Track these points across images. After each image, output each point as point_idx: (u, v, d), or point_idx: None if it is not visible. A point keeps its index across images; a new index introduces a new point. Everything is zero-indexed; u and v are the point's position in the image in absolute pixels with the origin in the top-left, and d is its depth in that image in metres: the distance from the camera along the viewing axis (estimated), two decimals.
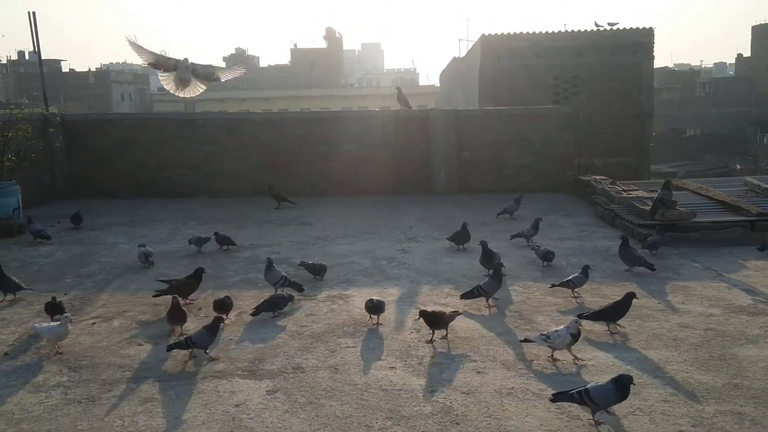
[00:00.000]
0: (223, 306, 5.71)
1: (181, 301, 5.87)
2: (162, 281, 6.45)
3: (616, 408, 3.89)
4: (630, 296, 5.23)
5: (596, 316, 5.22)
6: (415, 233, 9.27)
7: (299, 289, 6.41)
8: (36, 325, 5.24)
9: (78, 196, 12.74)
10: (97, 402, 4.24)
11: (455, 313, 5.28)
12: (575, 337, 4.61)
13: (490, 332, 5.36)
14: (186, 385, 4.47)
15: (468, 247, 8.17)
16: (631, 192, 9.87)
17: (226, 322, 5.61)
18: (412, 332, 5.40)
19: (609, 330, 5.26)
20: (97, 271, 7.52)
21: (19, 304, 6.26)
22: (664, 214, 8.37)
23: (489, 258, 6.95)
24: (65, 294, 6.58)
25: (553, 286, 6.24)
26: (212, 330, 4.87)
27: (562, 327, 4.71)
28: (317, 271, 6.98)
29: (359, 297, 6.34)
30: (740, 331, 5.24)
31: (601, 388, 3.74)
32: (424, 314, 5.09)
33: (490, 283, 5.90)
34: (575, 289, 6.16)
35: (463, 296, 5.99)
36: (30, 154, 10.16)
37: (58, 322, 5.07)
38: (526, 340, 4.83)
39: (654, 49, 24.04)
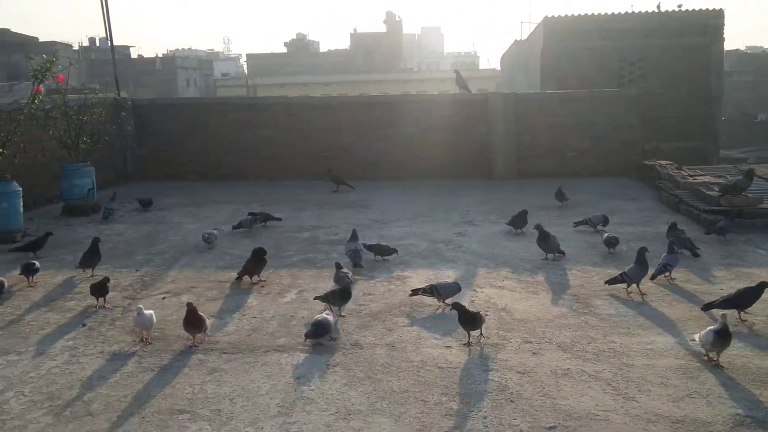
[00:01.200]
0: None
1: (252, 279, 6.21)
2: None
3: None
4: (762, 285, 5.03)
5: (726, 303, 4.99)
6: (473, 217, 9.30)
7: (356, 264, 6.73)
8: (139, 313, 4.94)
9: (146, 178, 13.26)
10: (168, 370, 4.49)
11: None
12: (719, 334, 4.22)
13: (546, 315, 5.38)
14: (250, 357, 4.68)
15: (526, 231, 8.16)
16: (697, 177, 9.63)
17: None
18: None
19: (740, 318, 5.13)
20: (166, 249, 7.85)
21: (95, 279, 6.61)
22: (730, 200, 8.16)
23: (545, 239, 6.95)
24: (137, 270, 6.92)
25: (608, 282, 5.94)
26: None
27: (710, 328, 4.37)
28: (384, 252, 7.10)
29: (416, 278, 6.45)
30: None
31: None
32: (461, 310, 4.80)
33: (635, 270, 5.75)
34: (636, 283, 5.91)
35: (608, 282, 5.84)
36: (103, 137, 10.62)
37: (142, 313, 4.87)
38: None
39: (724, 30, 23.16)
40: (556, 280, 6.28)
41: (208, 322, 5.01)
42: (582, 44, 23.36)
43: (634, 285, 5.77)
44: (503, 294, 5.96)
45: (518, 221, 8.18)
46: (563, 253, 6.97)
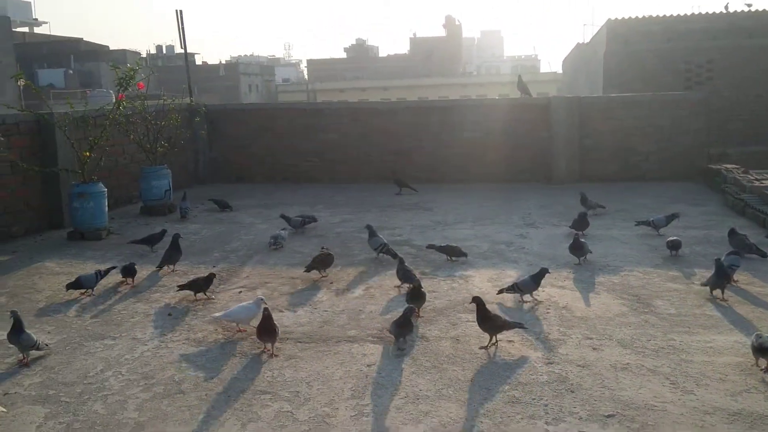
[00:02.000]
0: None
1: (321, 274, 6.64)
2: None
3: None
4: None
5: None
6: (534, 219, 9.45)
7: (394, 256, 6.98)
8: (217, 314, 5.40)
9: (217, 180, 13.85)
10: (249, 356, 4.86)
11: (515, 325, 5.01)
12: None
13: (607, 314, 5.53)
14: (323, 346, 5.00)
15: (587, 233, 8.26)
16: (764, 181, 9.53)
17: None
18: (529, 311, 5.68)
19: None
20: (239, 247, 8.29)
21: (176, 274, 7.09)
22: None
23: (578, 248, 7.03)
24: (214, 266, 7.36)
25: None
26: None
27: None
28: (452, 252, 7.34)
29: (478, 278, 6.68)
30: None
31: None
32: (479, 303, 4.94)
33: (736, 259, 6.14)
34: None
35: (704, 284, 5.96)
36: (179, 141, 11.23)
37: (253, 302, 5.23)
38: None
39: None
40: (618, 281, 6.40)
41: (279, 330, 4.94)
42: (646, 46, 23.05)
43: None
44: (564, 293, 6.13)
45: (580, 224, 8.29)
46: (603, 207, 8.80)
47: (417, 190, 11.85)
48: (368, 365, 4.65)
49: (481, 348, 4.86)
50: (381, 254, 7.34)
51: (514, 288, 5.84)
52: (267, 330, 4.81)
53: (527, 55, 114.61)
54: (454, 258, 7.29)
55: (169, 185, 10.50)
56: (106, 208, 8.95)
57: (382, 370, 4.56)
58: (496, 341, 4.92)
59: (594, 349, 4.81)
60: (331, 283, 6.66)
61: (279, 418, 3.94)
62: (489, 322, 4.90)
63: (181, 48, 15.43)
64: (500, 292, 5.92)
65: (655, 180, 12.29)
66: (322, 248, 7.08)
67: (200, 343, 5.15)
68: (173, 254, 7.14)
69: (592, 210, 9.34)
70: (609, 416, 3.84)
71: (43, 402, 4.22)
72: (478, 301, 4.96)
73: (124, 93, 9.40)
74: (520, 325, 5.02)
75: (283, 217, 9.04)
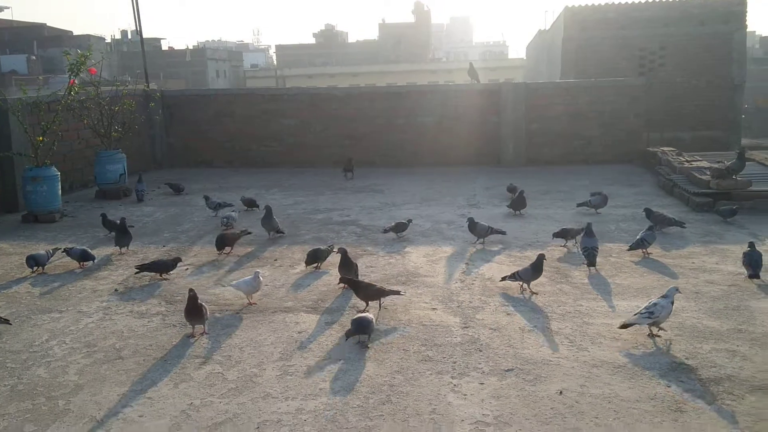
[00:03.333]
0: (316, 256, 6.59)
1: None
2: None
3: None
4: None
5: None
6: (478, 200, 9.88)
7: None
8: (233, 282, 5.73)
9: (175, 165, 14.04)
10: (188, 326, 5.17)
11: (391, 292, 5.40)
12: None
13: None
14: (260, 316, 5.34)
15: (524, 213, 8.71)
16: (693, 162, 10.06)
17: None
18: (456, 282, 6.08)
19: None
20: (191, 228, 8.57)
21: (128, 255, 7.35)
22: (719, 183, 8.61)
23: (472, 228, 7.42)
24: (164, 246, 7.65)
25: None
26: None
27: (660, 299, 4.67)
28: (399, 229, 7.68)
29: (415, 254, 7.07)
30: (763, 288, 5.62)
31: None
32: (346, 281, 5.53)
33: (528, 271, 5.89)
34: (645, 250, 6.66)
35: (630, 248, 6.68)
36: (134, 126, 11.42)
37: (252, 277, 5.56)
38: (624, 326, 4.66)
39: (747, 18, 23.18)
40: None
41: (208, 312, 5.05)
42: (603, 33, 23.57)
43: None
44: (492, 266, 6.55)
45: (517, 204, 8.73)
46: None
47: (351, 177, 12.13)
48: (299, 332, 5.01)
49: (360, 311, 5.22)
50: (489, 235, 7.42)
51: (515, 276, 5.69)
52: (190, 312, 4.92)
53: (495, 41, 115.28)
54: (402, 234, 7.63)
55: (124, 169, 10.71)
56: (60, 192, 9.14)
57: (311, 337, 4.92)
58: (380, 305, 5.39)
59: (508, 314, 5.23)
60: (276, 260, 6.99)
61: (209, 378, 4.29)
62: (362, 291, 5.31)
63: (137, 33, 15.45)
64: (503, 279, 5.82)
65: (599, 163, 12.82)
66: (330, 246, 7.03)
67: (143, 315, 5.46)
68: (123, 238, 7.35)
69: (482, 239, 9.37)
70: (508, 370, 4.25)
71: None
72: (345, 281, 5.54)
73: (76, 78, 9.55)
74: (396, 293, 5.46)
75: (204, 197, 9.33)
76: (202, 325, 5.04)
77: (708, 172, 9.08)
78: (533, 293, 5.66)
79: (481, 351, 4.56)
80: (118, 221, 7.52)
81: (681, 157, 10.57)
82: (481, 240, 7.41)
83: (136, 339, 4.96)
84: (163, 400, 4.01)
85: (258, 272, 5.57)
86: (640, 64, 23.34)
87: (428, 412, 3.78)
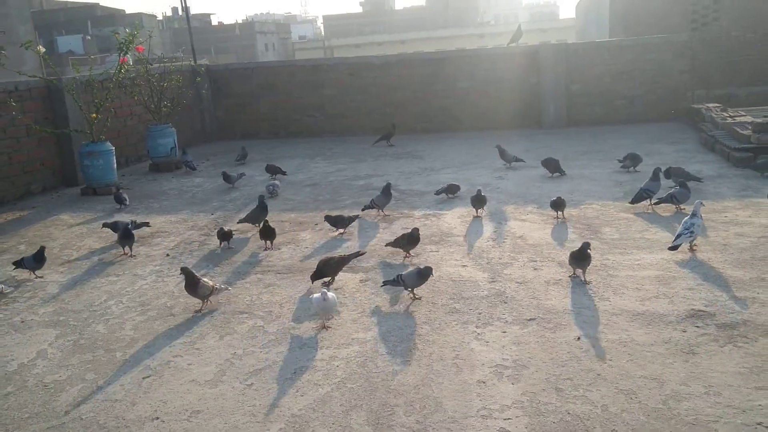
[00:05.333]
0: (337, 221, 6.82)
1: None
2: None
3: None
4: None
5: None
6: (515, 163, 9.97)
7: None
8: (314, 295, 4.65)
9: (223, 137, 14.51)
10: (233, 285, 5.55)
11: (352, 256, 5.57)
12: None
13: (556, 240, 6.14)
14: (299, 276, 5.68)
15: (556, 176, 8.80)
16: (737, 118, 9.91)
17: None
18: (488, 241, 6.29)
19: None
20: (237, 197, 8.97)
21: (180, 222, 7.79)
22: (759, 137, 8.50)
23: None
24: (212, 213, 8.06)
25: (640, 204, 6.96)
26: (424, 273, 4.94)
27: (693, 218, 5.40)
28: (452, 190, 8.04)
29: (450, 215, 7.29)
30: None
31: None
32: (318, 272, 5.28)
33: (682, 191, 6.66)
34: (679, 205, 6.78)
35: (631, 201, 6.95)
36: (182, 101, 11.87)
37: (318, 295, 4.55)
38: (673, 248, 5.37)
39: None
40: (576, 213, 6.97)
41: (216, 286, 5.09)
42: None
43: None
44: (524, 225, 6.72)
45: (550, 165, 8.81)
46: (523, 161, 9.48)
47: (392, 144, 12.33)
48: (336, 289, 5.32)
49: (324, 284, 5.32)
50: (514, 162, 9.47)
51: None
52: (190, 286, 4.99)
53: (546, 2, 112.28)
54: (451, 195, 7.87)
55: (175, 143, 11.19)
56: (115, 165, 9.67)
57: (346, 293, 5.23)
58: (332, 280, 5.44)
59: (535, 269, 5.43)
60: (316, 224, 7.31)
61: (252, 331, 4.65)
62: (327, 268, 5.31)
63: (183, 11, 15.87)
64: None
65: (643, 122, 12.69)
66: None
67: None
68: (124, 239, 6.63)
69: (508, 164, 9.65)
70: (530, 320, 4.48)
71: (54, 326, 4.97)
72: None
73: (126, 56, 10.00)
74: (356, 255, 5.66)
75: (223, 174, 9.59)
76: (206, 301, 5.06)
77: (750, 127, 8.96)
78: (586, 282, 5.10)
79: (505, 303, 4.79)
80: (129, 224, 6.82)
81: (725, 113, 10.40)
82: (510, 165, 9.38)
83: (185, 298, 5.34)
84: (210, 351, 4.39)
85: (324, 292, 4.55)
86: (693, 19, 22.60)
87: (451, 358, 4.04)
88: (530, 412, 3.42)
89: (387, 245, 6.04)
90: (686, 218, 5.52)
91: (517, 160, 9.49)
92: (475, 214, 7.11)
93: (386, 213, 7.46)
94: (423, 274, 4.89)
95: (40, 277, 6.06)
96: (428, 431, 3.34)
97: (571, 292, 4.90)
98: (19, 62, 21.11)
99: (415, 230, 5.87)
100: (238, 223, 7.27)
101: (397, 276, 4.95)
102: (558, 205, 6.74)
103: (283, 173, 9.94)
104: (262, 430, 3.44)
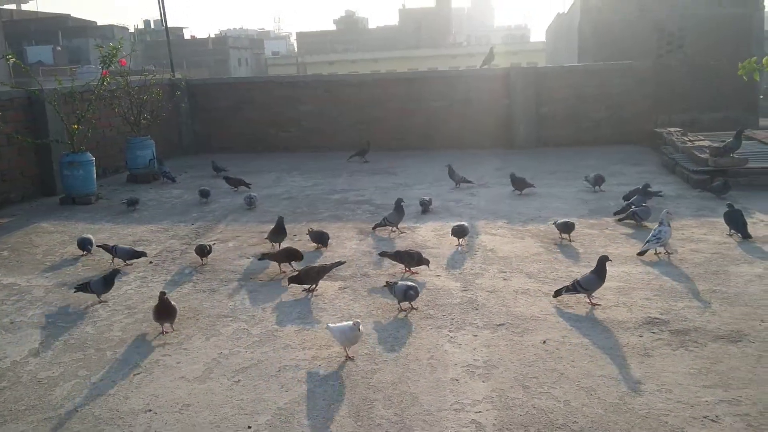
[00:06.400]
0: (321, 238, 7.06)
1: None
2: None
3: (602, 299, 4.99)
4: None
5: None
6: (487, 181, 10.35)
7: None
8: (330, 325, 4.55)
9: (200, 150, 14.68)
10: (216, 292, 5.78)
11: (333, 265, 5.79)
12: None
13: (525, 253, 6.48)
14: (278, 284, 5.92)
15: (527, 192, 9.18)
16: (696, 142, 10.43)
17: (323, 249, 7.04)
18: (461, 253, 6.61)
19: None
20: (217, 209, 9.16)
21: (161, 232, 7.98)
22: (716, 161, 9.00)
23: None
24: (192, 224, 8.26)
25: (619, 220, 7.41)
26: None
27: (660, 226, 6.01)
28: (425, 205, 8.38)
29: (424, 229, 7.60)
30: (743, 256, 6.08)
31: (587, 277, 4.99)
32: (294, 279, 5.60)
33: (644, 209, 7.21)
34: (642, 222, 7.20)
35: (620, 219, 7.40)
36: (161, 114, 12.05)
37: (350, 325, 4.33)
38: (641, 254, 6.08)
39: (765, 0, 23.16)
40: (543, 229, 7.34)
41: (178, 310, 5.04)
42: (619, 16, 23.53)
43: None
44: (494, 239, 7.06)
45: (517, 183, 9.19)
46: (471, 182, 9.85)
47: (367, 161, 12.64)
48: (315, 295, 5.58)
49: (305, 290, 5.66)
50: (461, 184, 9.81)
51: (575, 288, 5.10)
52: (161, 312, 4.90)
53: (517, 25, 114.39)
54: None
55: (153, 155, 11.36)
56: (95, 176, 9.81)
57: (326, 298, 5.50)
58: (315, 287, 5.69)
59: (504, 279, 5.76)
60: (294, 235, 7.55)
61: (236, 333, 4.88)
62: (308, 277, 5.60)
63: (162, 23, 16.08)
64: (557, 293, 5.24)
65: (608, 144, 13.22)
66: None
67: (176, 284, 6.07)
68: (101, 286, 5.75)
69: (458, 184, 9.94)
70: (500, 325, 4.79)
71: (44, 327, 5.15)
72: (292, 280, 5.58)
73: (108, 69, 10.19)
74: (337, 264, 5.88)
75: (200, 191, 9.62)
76: (169, 323, 4.98)
77: (707, 151, 9.47)
78: (594, 305, 5.08)
79: (477, 309, 5.10)
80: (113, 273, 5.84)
81: (685, 137, 10.94)
82: (458, 186, 9.76)
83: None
84: (197, 351, 4.61)
85: (358, 322, 4.32)
86: (658, 46, 23.46)
87: (427, 358, 4.33)
88: (499, 407, 3.72)
89: (380, 254, 6.33)
90: (656, 227, 6.05)
91: (465, 181, 9.84)
92: (457, 243, 6.90)
93: (400, 231, 7.53)
94: (408, 293, 5.04)
95: (104, 301, 5.62)
96: (405, 423, 3.61)
97: (538, 300, 5.23)
98: None
99: (418, 254, 5.98)
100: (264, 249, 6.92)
101: (391, 285, 5.22)
102: (567, 227, 6.81)
103: (247, 185, 10.19)
104: (251, 422, 3.68)
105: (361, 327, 4.31)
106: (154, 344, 4.74)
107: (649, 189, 7.84)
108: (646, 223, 7.17)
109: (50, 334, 5.00)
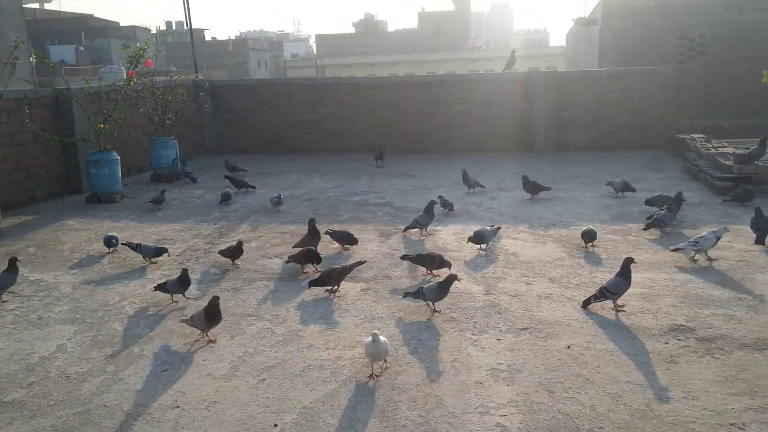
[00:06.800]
0: (348, 239, 7.08)
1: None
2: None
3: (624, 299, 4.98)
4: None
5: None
6: (507, 185, 10.35)
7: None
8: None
9: (221, 151, 14.78)
10: (240, 291, 5.83)
11: (354, 265, 5.88)
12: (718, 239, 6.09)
13: (547, 258, 6.48)
14: (300, 284, 5.96)
15: (542, 197, 9.16)
16: (720, 149, 10.35)
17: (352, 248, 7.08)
18: (482, 257, 6.62)
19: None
20: (239, 209, 9.24)
21: (185, 231, 8.06)
22: (741, 168, 8.93)
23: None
24: (215, 223, 8.33)
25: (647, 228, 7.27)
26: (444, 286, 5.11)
27: (708, 232, 6.12)
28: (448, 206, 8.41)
29: (444, 232, 7.62)
30: None
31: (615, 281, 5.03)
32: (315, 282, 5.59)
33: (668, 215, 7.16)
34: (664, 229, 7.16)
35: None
36: (185, 115, 12.17)
37: (377, 340, 4.08)
38: (675, 250, 6.21)
39: None
40: (565, 234, 7.33)
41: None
42: (641, 21, 23.50)
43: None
44: (516, 243, 7.06)
45: (529, 187, 9.15)
46: (483, 186, 9.79)
47: (383, 165, 12.56)
48: (338, 296, 5.62)
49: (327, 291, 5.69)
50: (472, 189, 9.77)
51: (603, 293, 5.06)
52: (211, 317, 4.74)
53: (536, 29, 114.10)
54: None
55: (177, 154, 11.47)
56: (120, 175, 9.92)
57: (348, 300, 5.53)
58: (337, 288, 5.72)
59: (527, 283, 5.76)
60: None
61: (261, 332, 4.93)
62: (330, 278, 5.64)
63: (185, 25, 16.22)
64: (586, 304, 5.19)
65: (629, 149, 13.15)
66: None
67: (200, 281, 6.13)
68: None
69: (472, 188, 9.88)
70: (523, 329, 4.80)
71: (72, 323, 5.22)
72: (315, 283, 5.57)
73: (134, 70, 10.32)
74: (358, 264, 5.96)
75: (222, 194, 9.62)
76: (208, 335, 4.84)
77: (732, 158, 9.39)
78: (619, 310, 5.07)
79: (500, 313, 5.11)
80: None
81: (709, 144, 10.86)
82: (473, 190, 9.68)
83: (195, 300, 5.62)
84: (222, 349, 4.66)
85: (376, 333, 4.11)
86: (679, 52, 23.32)
87: (450, 361, 4.35)
88: (524, 410, 3.73)
89: (402, 258, 6.29)
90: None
91: (478, 185, 9.80)
92: (478, 248, 6.84)
93: (429, 233, 7.55)
94: (444, 288, 5.09)
95: (175, 302, 5.61)
96: (431, 425, 3.63)
97: (561, 305, 5.23)
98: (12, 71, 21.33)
99: (440, 257, 6.00)
100: (291, 252, 6.76)
101: (419, 289, 5.19)
102: (590, 235, 6.71)
103: (252, 187, 10.24)
104: (276, 420, 3.71)
105: (380, 337, 4.08)
106: (180, 342, 4.79)
107: (682, 198, 7.68)
108: (668, 230, 7.14)
109: (78, 330, 5.07)
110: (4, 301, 5.72)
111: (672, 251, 6.28)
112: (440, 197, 8.46)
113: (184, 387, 4.11)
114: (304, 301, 5.54)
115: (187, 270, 5.59)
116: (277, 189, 10.38)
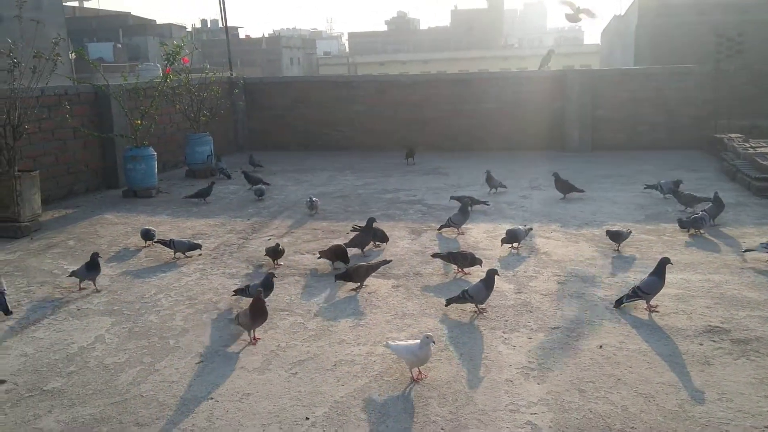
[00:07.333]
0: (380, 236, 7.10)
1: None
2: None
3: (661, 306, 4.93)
4: None
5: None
6: (539, 183, 10.29)
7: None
8: (391, 343, 4.27)
9: (255, 148, 14.94)
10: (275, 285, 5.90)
11: (380, 263, 5.90)
12: None
13: (579, 257, 6.43)
14: (331, 280, 6.00)
15: (581, 195, 9.08)
16: (758, 148, 10.16)
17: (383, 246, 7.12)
18: (514, 256, 6.60)
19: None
20: (271, 205, 9.34)
21: (218, 226, 8.18)
22: None
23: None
24: (248, 219, 8.44)
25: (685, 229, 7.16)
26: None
27: None
28: (473, 202, 8.30)
29: (475, 230, 7.61)
30: None
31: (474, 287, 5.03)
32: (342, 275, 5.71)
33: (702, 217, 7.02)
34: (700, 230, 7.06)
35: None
36: (219, 111, 12.34)
37: (418, 342, 4.00)
38: (747, 251, 6.24)
39: None
40: (598, 233, 7.25)
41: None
42: (677, 20, 23.17)
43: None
44: (548, 242, 7.03)
45: (560, 186, 9.07)
46: (506, 187, 9.72)
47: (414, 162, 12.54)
48: (369, 293, 5.66)
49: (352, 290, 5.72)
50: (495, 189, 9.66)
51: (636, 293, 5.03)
52: (257, 313, 4.67)
53: (570, 27, 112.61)
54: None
55: (211, 151, 11.63)
56: (156, 170, 10.10)
57: (379, 296, 5.57)
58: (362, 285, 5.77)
59: (559, 283, 5.74)
60: (348, 233, 7.64)
61: (293, 327, 4.99)
62: (356, 274, 5.70)
63: (221, 23, 16.40)
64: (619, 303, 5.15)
65: (664, 149, 12.97)
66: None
67: (233, 276, 6.23)
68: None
69: (494, 189, 9.73)
70: (554, 328, 4.78)
71: (109, 314, 5.35)
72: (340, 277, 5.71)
73: (171, 67, 10.49)
74: (384, 263, 5.98)
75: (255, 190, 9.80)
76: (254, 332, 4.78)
77: None
78: (652, 310, 5.04)
79: (531, 312, 5.10)
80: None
81: (747, 144, 10.66)
82: (495, 190, 9.59)
83: (228, 294, 5.71)
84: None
85: (428, 337, 3.97)
86: (717, 51, 22.88)
87: (481, 359, 4.36)
88: (555, 409, 3.72)
89: (433, 256, 6.30)
90: None
91: (502, 186, 9.71)
92: (510, 246, 6.79)
93: (462, 232, 7.52)
94: (489, 284, 5.06)
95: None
96: (461, 421, 3.65)
97: (593, 305, 5.19)
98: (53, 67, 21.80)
99: (471, 255, 6.02)
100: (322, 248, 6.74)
101: (463, 292, 5.13)
102: (618, 236, 6.64)
103: (267, 184, 10.27)
104: (308, 413, 3.76)
105: (434, 341, 4.00)
106: (215, 335, 4.88)
107: (721, 199, 7.54)
108: (704, 232, 7.04)
109: (115, 321, 5.19)
110: (98, 290, 5.90)
111: (743, 252, 6.31)
112: (464, 199, 8.34)
113: (218, 379, 4.19)
114: (336, 297, 5.59)
115: (272, 274, 5.49)
116: (310, 186, 10.49)
